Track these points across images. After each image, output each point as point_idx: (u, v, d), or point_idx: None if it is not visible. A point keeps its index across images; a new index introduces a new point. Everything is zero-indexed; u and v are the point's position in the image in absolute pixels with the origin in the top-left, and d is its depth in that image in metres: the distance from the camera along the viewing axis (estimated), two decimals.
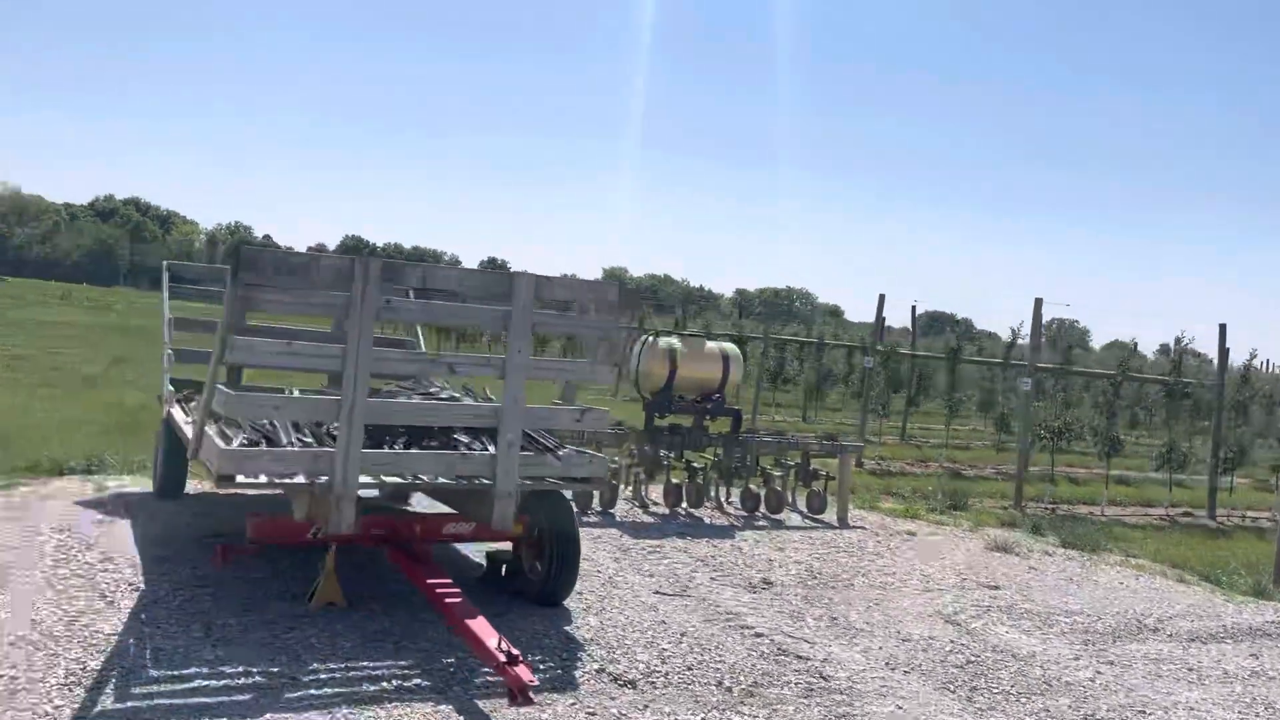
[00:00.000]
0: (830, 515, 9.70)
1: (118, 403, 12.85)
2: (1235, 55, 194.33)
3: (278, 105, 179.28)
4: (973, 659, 5.77)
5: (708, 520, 9.04)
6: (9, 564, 5.71)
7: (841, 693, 5.00)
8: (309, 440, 5.42)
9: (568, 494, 6.24)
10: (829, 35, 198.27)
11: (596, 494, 8.45)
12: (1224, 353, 13.38)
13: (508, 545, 6.15)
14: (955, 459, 15.88)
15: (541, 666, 4.85)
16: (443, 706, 4.31)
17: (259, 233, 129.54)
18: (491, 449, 5.45)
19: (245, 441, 5.22)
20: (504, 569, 6.19)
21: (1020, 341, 16.87)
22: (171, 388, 7.61)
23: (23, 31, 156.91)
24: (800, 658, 5.46)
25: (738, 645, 5.56)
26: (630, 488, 9.25)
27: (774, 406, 21.21)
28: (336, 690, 4.39)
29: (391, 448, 5.51)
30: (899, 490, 11.85)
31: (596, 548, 7.40)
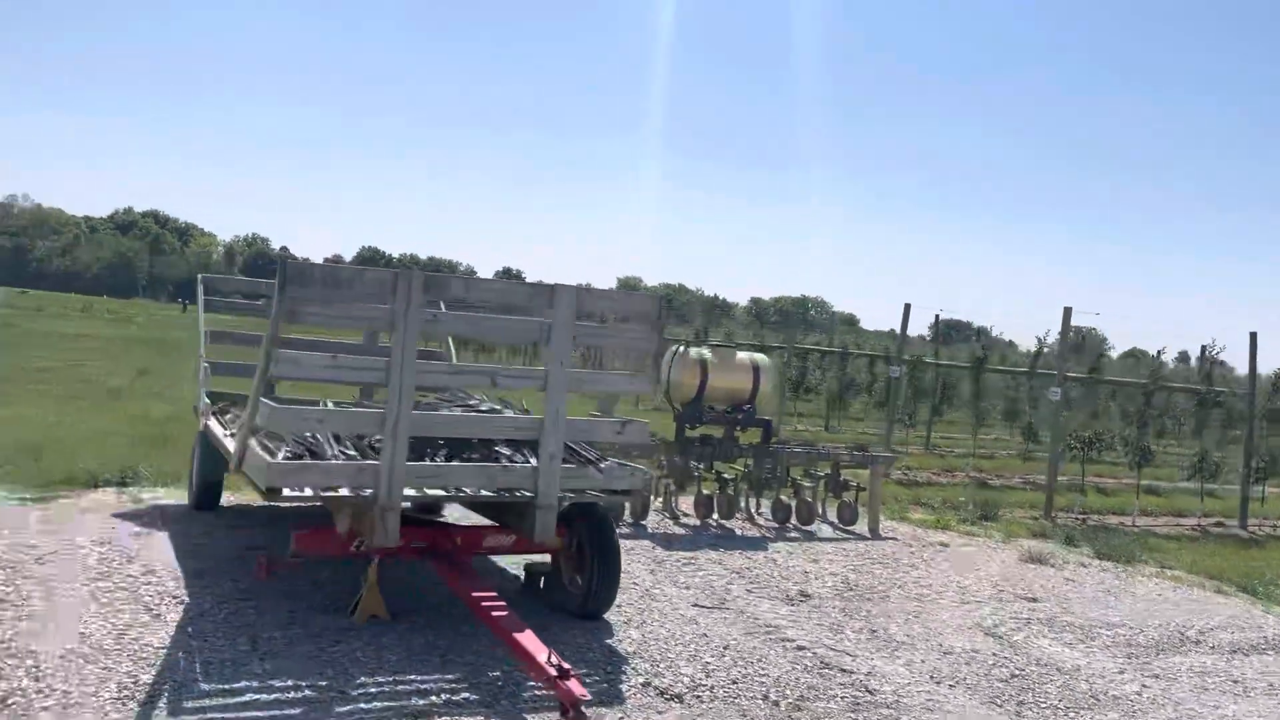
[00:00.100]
0: (861, 526, 9.64)
1: (145, 415, 12.91)
2: (1245, 59, 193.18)
3: (291, 117, 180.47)
4: (1017, 672, 5.72)
5: (739, 532, 9.00)
6: (52, 576, 5.74)
7: (888, 707, 4.97)
8: (352, 453, 5.43)
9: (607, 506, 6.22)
10: (845, 40, 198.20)
11: (628, 505, 8.44)
12: (1255, 362, 13.26)
13: (546, 557, 6.14)
14: (981, 468, 15.79)
15: (587, 680, 4.82)
16: None
17: (275, 244, 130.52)
18: (533, 461, 5.45)
19: (289, 455, 5.24)
20: (542, 581, 6.18)
21: (1045, 350, 16.73)
22: (208, 400, 7.64)
23: (41, 46, 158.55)
24: (844, 671, 5.43)
25: (780, 658, 5.53)
26: (661, 499, 9.23)
27: (795, 416, 21.15)
28: (386, 704, 4.39)
29: (432, 460, 5.51)
30: (928, 501, 11.78)
31: (631, 560, 7.37)
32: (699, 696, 4.84)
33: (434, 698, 4.50)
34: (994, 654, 6.03)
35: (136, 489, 8.48)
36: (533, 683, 4.74)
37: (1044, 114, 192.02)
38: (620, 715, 4.52)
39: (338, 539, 5.27)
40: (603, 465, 5.57)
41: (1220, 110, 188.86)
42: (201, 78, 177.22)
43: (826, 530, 9.47)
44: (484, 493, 5.36)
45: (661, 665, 5.21)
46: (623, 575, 6.50)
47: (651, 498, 9.00)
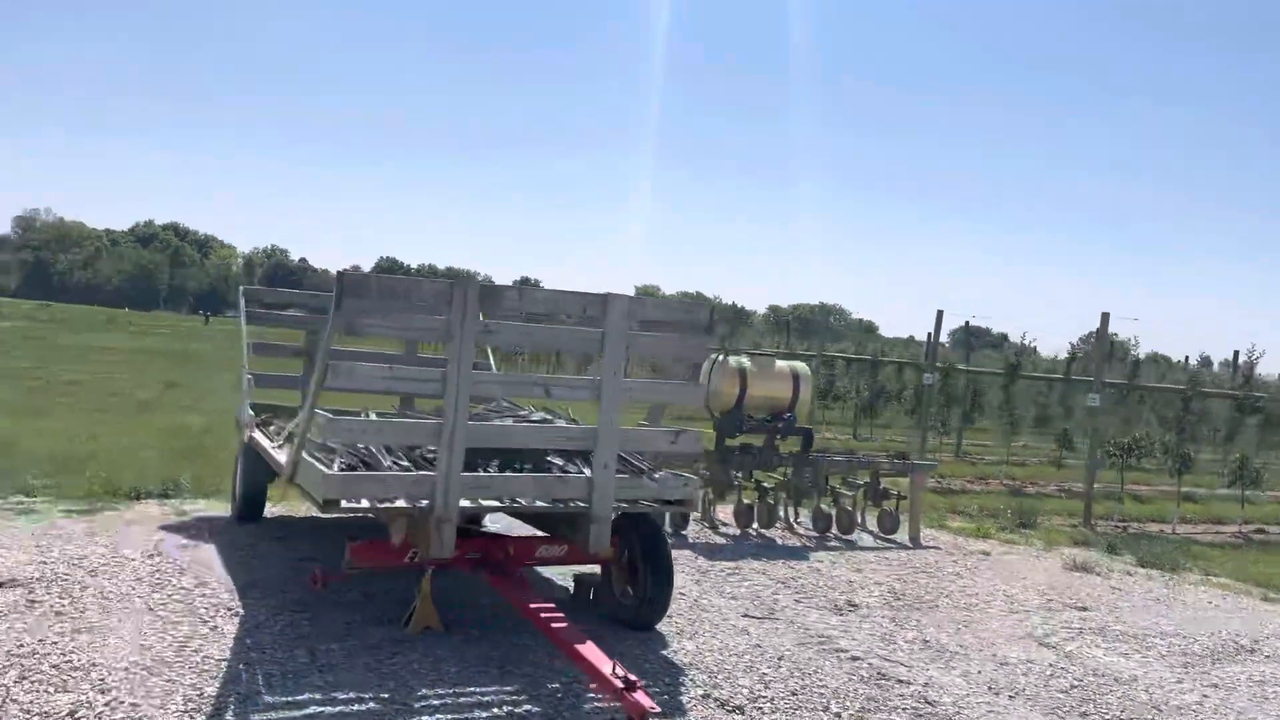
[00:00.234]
0: (902, 535, 9.58)
1: (179, 427, 12.97)
2: (1242, 66, 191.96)
3: (307, 130, 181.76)
4: (1076, 683, 5.65)
5: (780, 541, 8.95)
6: (107, 589, 5.76)
7: (951, 718, 4.91)
8: (405, 464, 5.42)
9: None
10: (840, 51, 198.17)
11: (668, 514, 8.40)
12: None
13: (595, 568, 6.11)
14: (1014, 476, 15.67)
15: (648, 692, 4.79)
16: None
17: (293, 255, 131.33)
18: (586, 471, 5.43)
19: (344, 466, 5.23)
20: (592, 592, 6.15)
21: (1078, 356, 16.60)
22: (251, 412, 7.66)
23: (61, 62, 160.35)
24: (901, 682, 5.37)
25: (836, 669, 5.49)
26: (700, 508, 9.19)
27: (823, 424, 21.06)
28: (449, 716, 4.37)
29: (484, 470, 5.50)
30: (965, 509, 11.70)
31: (675, 570, 7.32)
32: (760, 709, 4.80)
33: (496, 710, 4.48)
34: (1050, 664, 5.96)
35: (179, 501, 8.50)
36: (593, 694, 4.71)
37: (1047, 120, 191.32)
38: None
39: (392, 550, 5.27)
40: (657, 475, 5.54)
41: (1220, 112, 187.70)
42: (218, 91, 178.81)
43: (867, 539, 9.40)
44: (538, 503, 5.35)
45: (719, 676, 5.17)
46: None
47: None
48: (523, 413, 6.35)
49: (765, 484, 9.34)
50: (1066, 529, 11.07)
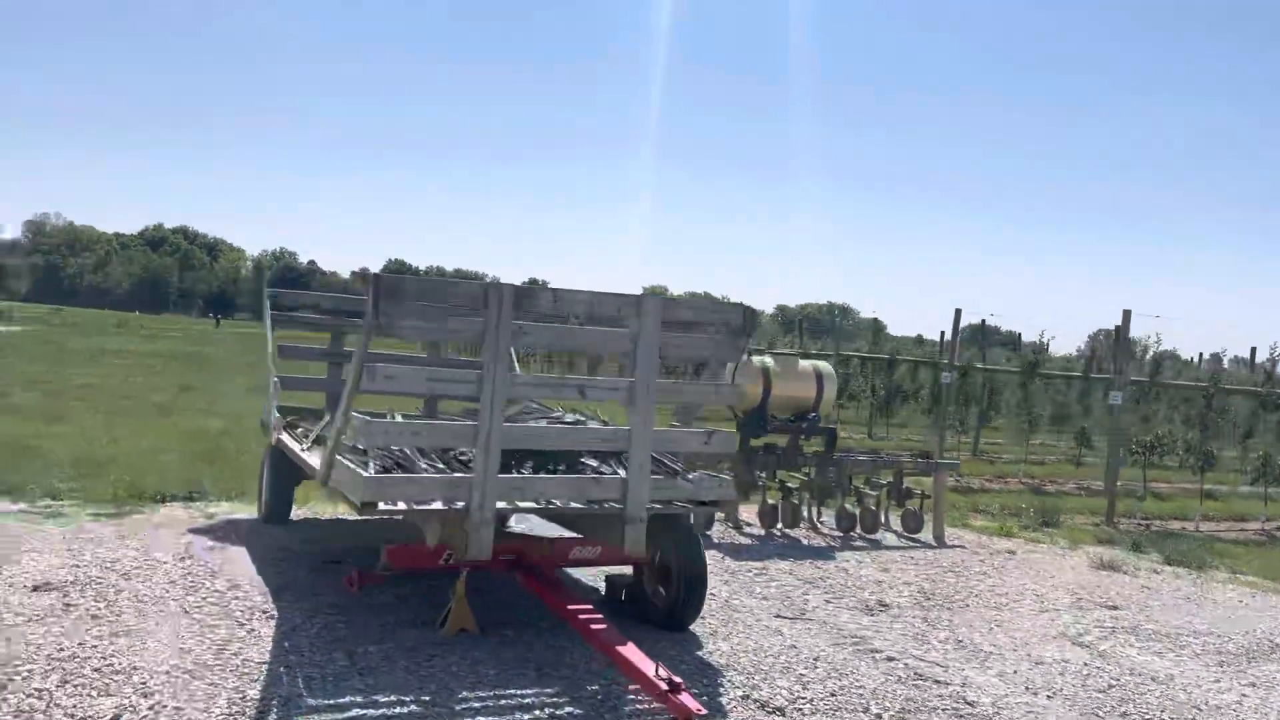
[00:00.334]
0: (926, 534, 9.54)
1: (197, 430, 12.99)
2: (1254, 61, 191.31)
3: (311, 135, 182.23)
4: (1113, 683, 5.61)
5: (804, 541, 8.93)
6: (141, 592, 5.76)
7: (991, 719, 4.89)
8: (440, 466, 5.41)
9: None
10: (840, 49, 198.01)
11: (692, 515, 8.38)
12: None
13: (627, 569, 6.10)
14: (1032, 474, 15.62)
15: None
16: None
17: (302, 258, 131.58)
18: (621, 472, 5.41)
19: (379, 468, 5.22)
20: (624, 593, 6.14)
21: (1097, 354, 16.52)
22: (278, 414, 7.66)
23: (68, 67, 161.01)
24: (938, 682, 5.35)
25: (872, 670, 5.46)
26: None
27: (839, 423, 20.96)
28: (491, 719, 4.36)
29: (519, 472, 5.49)
30: (986, 508, 11.65)
31: None
32: (800, 710, 4.78)
33: (538, 712, 4.46)
34: (1085, 664, 5.93)
35: (204, 504, 8.51)
36: (632, 696, 4.70)
37: (1049, 119, 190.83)
38: None
39: (428, 553, 5.26)
40: (692, 475, 5.53)
41: (1219, 108, 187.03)
42: (227, 96, 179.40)
43: (891, 539, 9.37)
44: (573, 505, 5.33)
45: (756, 678, 5.15)
46: None
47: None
48: (555, 414, 6.34)
49: (789, 484, 9.31)
50: (1089, 527, 11.03)
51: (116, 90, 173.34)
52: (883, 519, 9.56)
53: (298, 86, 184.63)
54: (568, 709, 4.54)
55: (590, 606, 5.18)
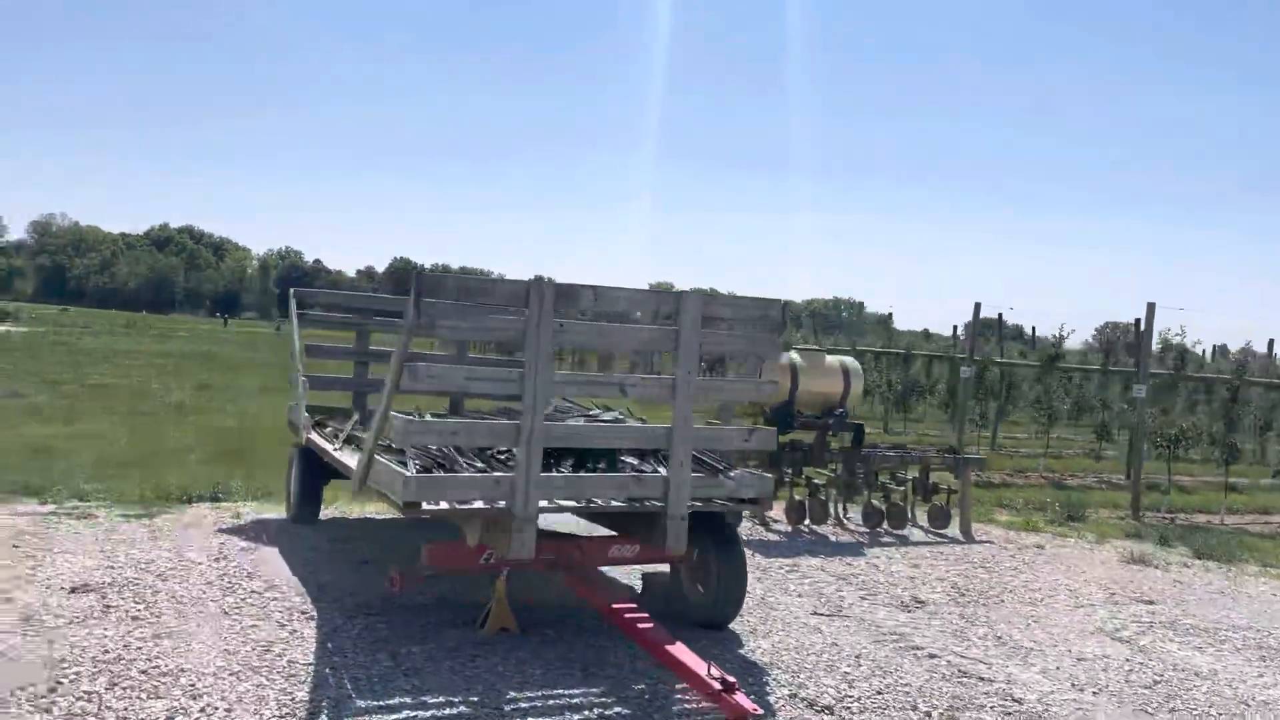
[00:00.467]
0: (952, 529, 9.50)
1: (219, 430, 12.98)
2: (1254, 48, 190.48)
3: (315, 134, 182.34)
4: (1158, 678, 5.57)
5: (832, 537, 8.89)
6: (179, 593, 5.74)
7: (1041, 717, 4.85)
8: (480, 465, 5.38)
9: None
10: (839, 43, 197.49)
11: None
12: None
13: (664, 567, 6.07)
14: (1053, 468, 15.55)
15: None
16: None
17: (308, 257, 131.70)
18: (662, 470, 5.38)
19: (418, 468, 5.19)
20: (663, 591, 6.10)
21: (1115, 345, 16.44)
22: (307, 414, 7.63)
23: (76, 69, 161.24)
24: (983, 679, 5.31)
25: (915, 667, 5.43)
26: None
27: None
28: None
29: (559, 470, 5.46)
30: (1010, 502, 11.60)
31: None
32: (848, 708, 4.75)
33: (587, 712, 4.43)
34: (1126, 659, 5.89)
35: (231, 503, 8.49)
36: (680, 695, 4.67)
37: (1050, 118, 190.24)
38: None
39: (468, 552, 5.23)
40: (733, 473, 5.49)
41: (1218, 103, 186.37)
42: (231, 96, 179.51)
43: (918, 534, 9.33)
44: (614, 503, 5.30)
45: (801, 676, 5.12)
46: None
47: None
48: (593, 412, 6.31)
49: (816, 480, 9.27)
50: (1116, 521, 10.97)
51: (120, 91, 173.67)
52: (910, 514, 9.52)
53: (302, 86, 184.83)
54: (616, 709, 4.51)
55: (635, 605, 5.15)
